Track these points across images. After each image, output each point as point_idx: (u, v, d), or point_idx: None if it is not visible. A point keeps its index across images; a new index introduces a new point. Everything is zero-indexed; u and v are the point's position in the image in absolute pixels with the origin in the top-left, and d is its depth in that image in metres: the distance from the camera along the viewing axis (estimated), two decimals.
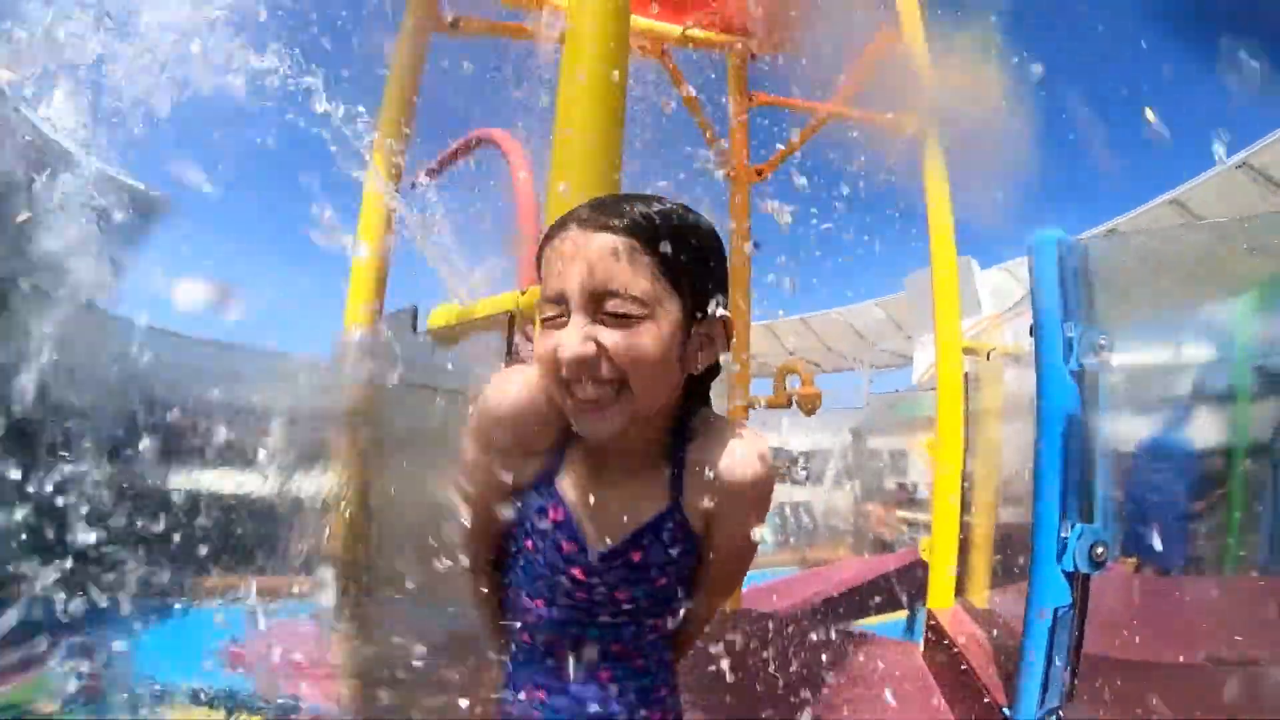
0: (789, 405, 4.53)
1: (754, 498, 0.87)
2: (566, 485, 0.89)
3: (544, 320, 0.83)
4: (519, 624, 0.94)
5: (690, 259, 0.82)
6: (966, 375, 3.77)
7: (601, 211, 0.81)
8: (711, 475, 0.85)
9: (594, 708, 0.90)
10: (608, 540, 0.87)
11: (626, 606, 0.89)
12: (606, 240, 0.79)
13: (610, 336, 0.78)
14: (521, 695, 0.92)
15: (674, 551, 0.88)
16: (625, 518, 0.87)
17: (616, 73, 1.51)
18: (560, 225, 0.83)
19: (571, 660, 0.90)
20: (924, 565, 3.78)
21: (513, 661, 0.95)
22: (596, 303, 0.78)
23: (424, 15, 3.00)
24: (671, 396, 0.86)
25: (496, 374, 0.91)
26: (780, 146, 4.28)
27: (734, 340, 0.90)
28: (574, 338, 0.77)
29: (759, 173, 4.32)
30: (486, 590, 1.01)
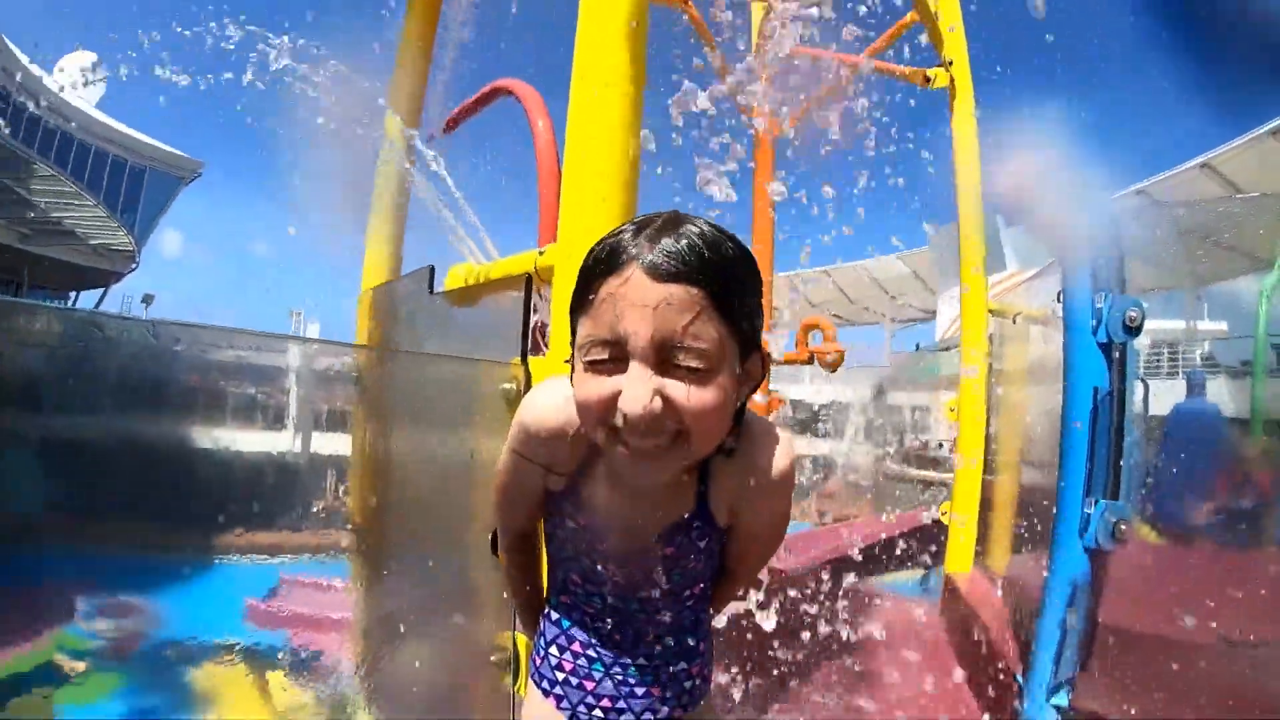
0: (810, 361, 4.48)
1: (779, 490, 0.92)
2: (591, 495, 0.93)
3: (591, 363, 0.78)
4: (565, 591, 1.00)
5: (746, 299, 0.80)
6: (991, 337, 3.69)
7: (664, 253, 0.75)
8: (736, 482, 0.90)
9: (640, 660, 0.97)
10: (636, 542, 0.92)
11: (665, 585, 0.95)
12: (677, 292, 0.74)
13: (678, 390, 0.75)
14: (566, 655, 0.98)
15: (702, 543, 0.94)
16: (653, 521, 0.91)
17: (635, 21, 1.43)
18: (616, 261, 0.77)
19: (621, 626, 0.97)
20: (942, 526, 3.77)
21: (556, 624, 1.00)
22: (663, 354, 0.75)
23: None
24: None
25: (539, 385, 0.94)
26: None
27: (769, 372, 0.92)
28: (640, 392, 0.74)
29: (782, 128, 4.19)
30: (519, 570, 1.10)
